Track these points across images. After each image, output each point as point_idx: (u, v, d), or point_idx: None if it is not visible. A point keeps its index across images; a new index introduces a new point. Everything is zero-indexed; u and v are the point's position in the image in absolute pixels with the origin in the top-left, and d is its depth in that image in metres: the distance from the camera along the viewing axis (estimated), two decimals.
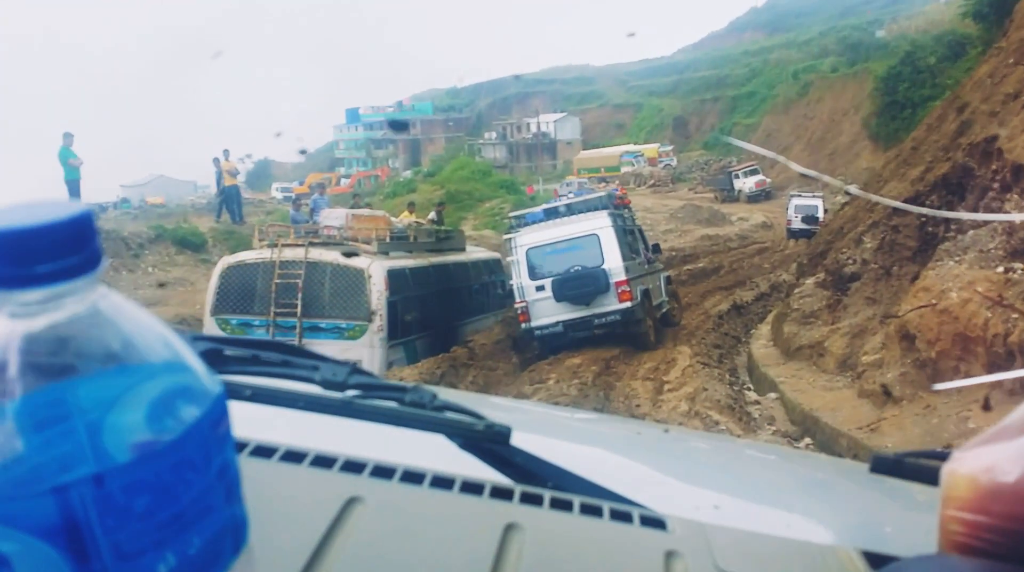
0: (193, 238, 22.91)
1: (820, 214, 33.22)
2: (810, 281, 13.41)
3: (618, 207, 16.31)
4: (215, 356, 1.25)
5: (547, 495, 1.07)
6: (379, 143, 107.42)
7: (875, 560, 1.01)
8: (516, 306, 14.99)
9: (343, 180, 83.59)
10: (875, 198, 11.12)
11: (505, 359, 14.90)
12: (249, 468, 0.92)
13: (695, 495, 1.48)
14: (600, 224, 14.78)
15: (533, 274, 14.73)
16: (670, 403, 10.07)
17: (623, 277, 14.37)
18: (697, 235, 38.73)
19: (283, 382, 1.22)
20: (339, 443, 1.15)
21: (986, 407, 7.12)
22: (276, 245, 14.35)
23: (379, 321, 13.76)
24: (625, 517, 1.05)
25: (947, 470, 0.82)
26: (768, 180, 56.95)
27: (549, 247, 14.76)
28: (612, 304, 14.38)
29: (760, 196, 54.61)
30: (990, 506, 0.75)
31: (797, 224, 33.72)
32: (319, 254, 14.19)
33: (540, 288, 14.60)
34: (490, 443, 1.16)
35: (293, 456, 1.08)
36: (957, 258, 8.96)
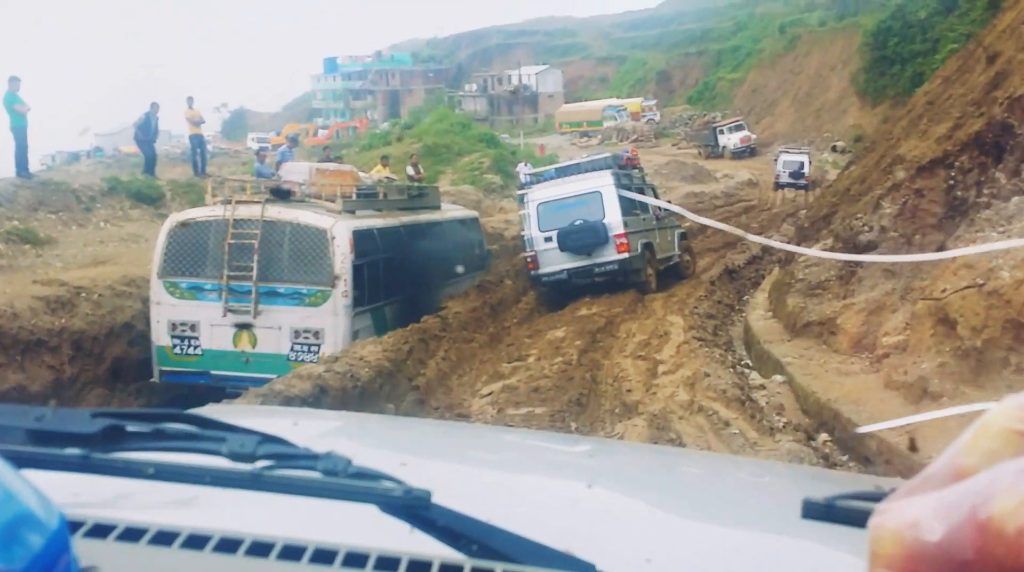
0: (149, 191, 21.31)
1: (806, 169, 36.53)
2: (816, 248, 12.20)
3: (624, 167, 17.61)
4: (116, 433, 1.20)
5: (468, 565, 1.08)
6: (357, 94, 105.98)
7: None
8: (526, 255, 16.68)
9: (320, 131, 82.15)
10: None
11: (482, 330, 13.68)
12: (101, 553, 1.04)
13: (631, 543, 1.45)
14: (603, 182, 16.23)
15: (542, 226, 16.24)
16: (666, 389, 8.85)
17: (621, 230, 15.83)
18: (682, 192, 37.49)
19: (191, 457, 1.17)
20: (250, 521, 1.16)
21: None
22: (230, 202, 13.01)
23: (343, 286, 12.52)
24: None
25: (874, 524, 0.79)
26: (753, 136, 56.15)
27: (557, 202, 16.25)
28: (611, 254, 15.85)
29: (745, 152, 53.82)
30: (917, 567, 0.72)
31: (785, 179, 36.13)
32: (277, 212, 12.87)
33: (548, 239, 16.10)
34: (411, 509, 1.11)
35: (162, 538, 1.08)
36: (1002, 229, 7.77)
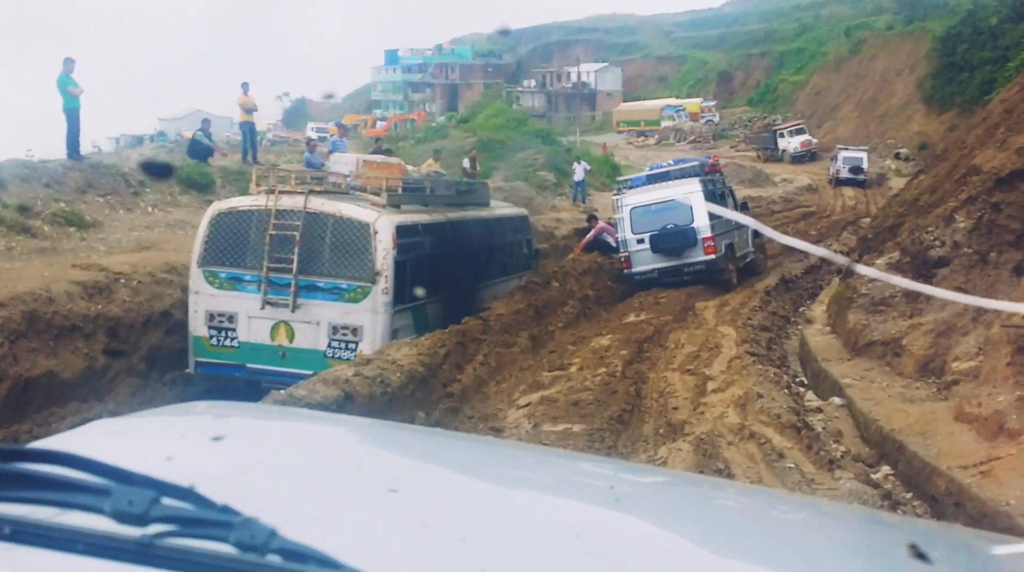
0: (199, 177, 21.11)
1: (865, 166, 39.60)
2: (881, 261, 11.55)
3: (709, 173, 19.26)
4: None
5: None
6: (416, 86, 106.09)
7: None
8: (620, 255, 18.24)
9: (379, 123, 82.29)
10: None
11: (524, 333, 13.17)
12: None
13: None
14: (692, 189, 17.68)
15: (635, 229, 17.70)
16: (715, 409, 8.28)
17: (709, 234, 17.24)
18: (739, 196, 36.75)
19: (65, 513, 0.93)
20: None
21: None
22: (273, 191, 12.68)
23: (384, 283, 12.15)
24: None
25: None
26: (814, 140, 55.16)
27: (650, 207, 17.72)
28: (699, 256, 17.38)
29: (805, 157, 52.90)
30: None
31: (845, 174, 38.90)
32: (320, 204, 12.52)
33: (640, 241, 17.62)
34: None
35: None
36: None
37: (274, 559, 0.88)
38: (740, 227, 19.42)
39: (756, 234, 20.85)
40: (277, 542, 0.89)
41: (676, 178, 18.37)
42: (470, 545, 1.37)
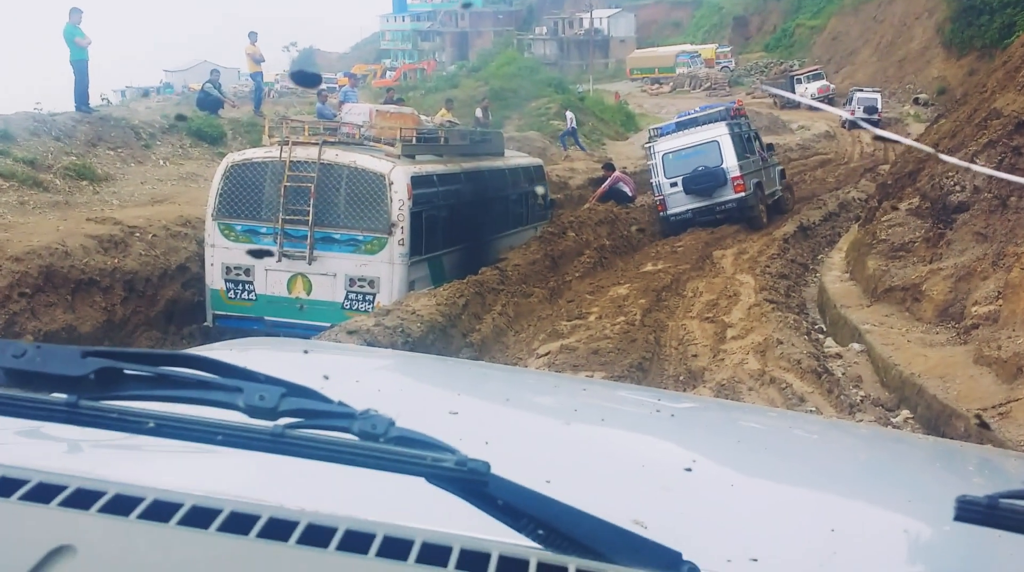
0: (210, 129, 21.08)
1: (879, 106, 41.03)
2: (901, 207, 11.46)
3: (735, 117, 19.89)
4: (111, 377, 1.05)
5: (534, 559, 0.94)
6: (426, 35, 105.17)
7: None
8: (655, 199, 19.05)
9: (388, 73, 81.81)
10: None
11: (541, 283, 13.16)
12: (81, 527, 0.92)
13: (733, 533, 1.26)
14: (720, 132, 18.55)
15: (667, 173, 18.54)
16: (735, 356, 8.29)
17: (738, 173, 18.11)
18: None
19: (201, 409, 1.02)
20: (269, 491, 1.07)
21: None
22: (287, 143, 12.62)
23: (400, 234, 12.12)
24: None
25: None
26: (832, 86, 54.35)
27: (681, 152, 18.59)
28: (729, 195, 18.19)
29: (822, 103, 51.95)
30: None
31: (860, 114, 38.80)
32: (334, 155, 12.46)
33: (673, 184, 18.46)
34: (465, 484, 0.97)
35: (158, 511, 0.97)
36: None
37: (393, 447, 0.96)
38: (768, 166, 20.36)
39: (782, 174, 21.71)
40: (395, 431, 0.97)
41: (704, 123, 19.10)
42: (535, 458, 1.48)
